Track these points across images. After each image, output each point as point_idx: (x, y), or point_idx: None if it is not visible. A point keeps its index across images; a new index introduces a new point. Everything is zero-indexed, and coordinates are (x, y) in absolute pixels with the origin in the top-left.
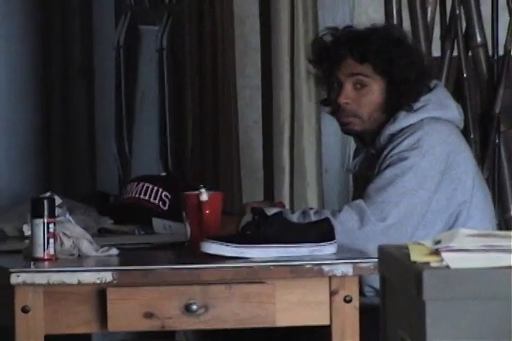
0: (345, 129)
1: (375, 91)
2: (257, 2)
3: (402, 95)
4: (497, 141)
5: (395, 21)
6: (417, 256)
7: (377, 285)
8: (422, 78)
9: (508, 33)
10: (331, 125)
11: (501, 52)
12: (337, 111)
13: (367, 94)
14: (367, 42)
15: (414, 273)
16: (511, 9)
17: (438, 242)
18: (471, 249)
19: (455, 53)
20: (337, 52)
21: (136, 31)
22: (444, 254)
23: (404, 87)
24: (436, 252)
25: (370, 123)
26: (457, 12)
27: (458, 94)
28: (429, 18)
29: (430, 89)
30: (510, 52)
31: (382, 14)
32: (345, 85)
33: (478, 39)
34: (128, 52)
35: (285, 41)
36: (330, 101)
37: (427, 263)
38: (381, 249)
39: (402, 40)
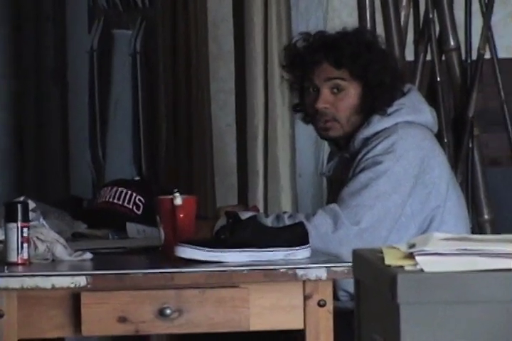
0: (324, 134)
1: (352, 94)
2: (231, 6)
3: (376, 99)
4: (470, 145)
5: (368, 25)
6: (391, 259)
7: (351, 289)
8: (396, 82)
9: (481, 37)
10: (304, 129)
11: (474, 56)
12: (314, 117)
13: (344, 98)
14: (341, 47)
15: (389, 277)
16: (484, 13)
17: (412, 246)
18: (445, 253)
19: (428, 57)
20: (312, 57)
21: (110, 35)
22: (418, 258)
23: (379, 91)
24: (410, 256)
25: (348, 127)
26: (430, 16)
27: (431, 98)
28: (402, 22)
29: (404, 94)
30: (483, 56)
31: (356, 18)
32: (323, 90)
33: (452, 43)
34: (101, 56)
35: (259, 45)
36: (304, 107)
37: (401, 267)
38: (355, 253)
39: (374, 44)
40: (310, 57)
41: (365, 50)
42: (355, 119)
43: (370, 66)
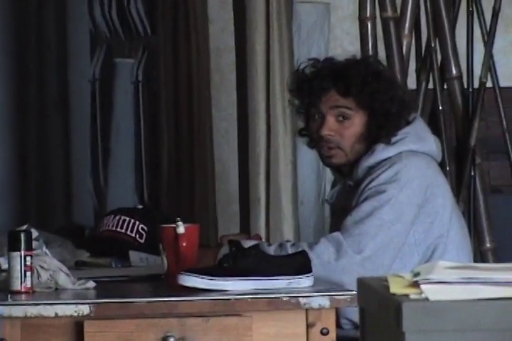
0: (328, 162)
1: (357, 123)
2: (233, 34)
3: (382, 128)
4: (472, 173)
5: (370, 54)
6: (396, 288)
7: (354, 317)
8: (402, 111)
9: (483, 65)
10: (306, 157)
11: (476, 84)
12: (318, 143)
13: (350, 127)
14: (349, 77)
15: (394, 305)
16: (486, 42)
17: (417, 274)
18: (450, 281)
19: (430, 86)
20: (320, 84)
21: (112, 64)
22: (423, 286)
23: (385, 120)
24: (415, 284)
25: (352, 154)
26: (432, 45)
27: (433, 126)
28: (404, 51)
29: (408, 122)
30: (485, 84)
31: (358, 47)
32: (328, 117)
33: (454, 71)
34: (103, 84)
35: (261, 74)
36: (309, 133)
37: (407, 296)
38: (360, 281)
39: (382, 73)
40: (318, 84)
41: (373, 80)
42: (359, 147)
43: (377, 96)
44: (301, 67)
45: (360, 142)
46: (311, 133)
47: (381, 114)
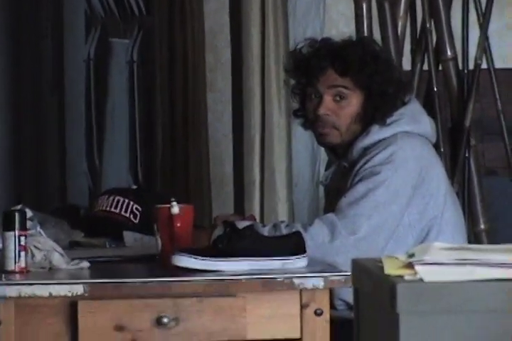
0: (322, 140)
1: (354, 103)
2: (228, 16)
3: (378, 109)
4: (467, 155)
5: (367, 35)
6: (390, 269)
7: (348, 298)
8: (398, 92)
9: (478, 46)
10: (301, 139)
11: (471, 66)
12: (315, 122)
13: (346, 107)
14: (347, 56)
15: (388, 286)
16: (481, 23)
17: (412, 255)
18: (444, 263)
19: (425, 67)
20: (318, 64)
21: (107, 44)
22: (417, 267)
23: (381, 101)
24: (410, 265)
25: (348, 135)
26: (427, 26)
27: (428, 107)
28: (399, 32)
29: (404, 103)
30: (480, 66)
31: (353, 28)
32: (325, 97)
33: (449, 53)
34: (98, 64)
35: (256, 55)
36: (305, 112)
37: (401, 277)
38: (354, 262)
39: (380, 54)
40: (316, 64)
41: (370, 60)
42: (355, 128)
43: (375, 76)
44: (298, 46)
45: (356, 122)
46: (307, 113)
47: (378, 94)
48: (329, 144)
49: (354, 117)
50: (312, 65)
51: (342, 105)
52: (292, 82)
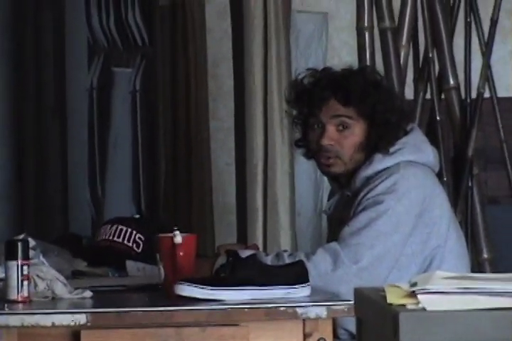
0: (326, 171)
1: (357, 133)
2: (231, 45)
3: (381, 138)
4: (470, 184)
5: (368, 64)
6: (393, 298)
7: (350, 327)
8: (401, 122)
9: (480, 75)
10: (304, 168)
11: (474, 95)
12: (318, 152)
13: (349, 136)
14: (350, 86)
15: (391, 316)
16: (484, 52)
17: (414, 284)
18: (447, 292)
19: (428, 96)
20: (320, 94)
21: (110, 73)
22: (420, 296)
23: (385, 130)
24: (412, 294)
25: (351, 164)
26: (430, 55)
27: (431, 136)
28: (402, 61)
29: (406, 132)
30: (482, 94)
31: (355, 57)
32: (328, 127)
33: (451, 82)
34: (101, 93)
35: (258, 84)
36: (307, 143)
37: (404, 306)
38: (357, 291)
39: (381, 83)
40: (318, 94)
41: (372, 89)
42: (359, 157)
43: (378, 105)
44: (300, 77)
45: (359, 151)
46: (309, 144)
47: (381, 123)
48: (333, 174)
49: (357, 146)
50: (314, 95)
51: (345, 135)
52: (294, 112)
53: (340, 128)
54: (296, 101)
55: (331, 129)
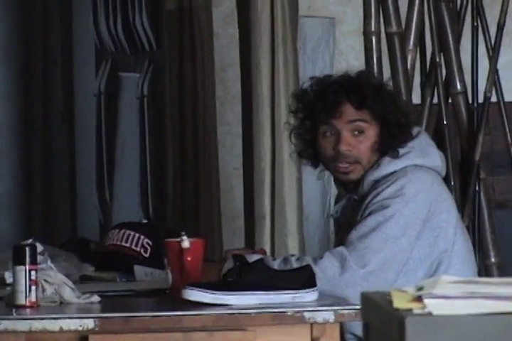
0: (345, 178)
1: (372, 136)
2: (238, 50)
3: (394, 138)
4: (477, 188)
5: (375, 69)
6: (399, 302)
7: (358, 332)
8: (409, 121)
9: (487, 80)
10: (311, 172)
11: (481, 99)
12: (335, 159)
13: (365, 140)
14: (362, 88)
15: (397, 320)
16: (491, 57)
17: (421, 289)
18: (453, 296)
19: (435, 101)
20: (334, 98)
21: (117, 78)
22: (426, 301)
23: (397, 130)
24: (419, 299)
25: (368, 167)
26: (437, 59)
27: (438, 141)
28: (409, 66)
29: (413, 137)
30: (489, 99)
31: (362, 61)
32: (344, 133)
33: (458, 86)
34: (109, 99)
35: (266, 88)
36: (315, 152)
37: (410, 310)
38: (364, 296)
39: (385, 86)
40: (331, 98)
41: (381, 91)
42: (375, 158)
43: (387, 106)
44: (304, 86)
45: (375, 153)
46: (320, 152)
47: (393, 124)
48: (352, 181)
49: (373, 149)
50: (327, 100)
51: (361, 139)
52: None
53: (356, 133)
54: (303, 110)
55: (347, 135)
